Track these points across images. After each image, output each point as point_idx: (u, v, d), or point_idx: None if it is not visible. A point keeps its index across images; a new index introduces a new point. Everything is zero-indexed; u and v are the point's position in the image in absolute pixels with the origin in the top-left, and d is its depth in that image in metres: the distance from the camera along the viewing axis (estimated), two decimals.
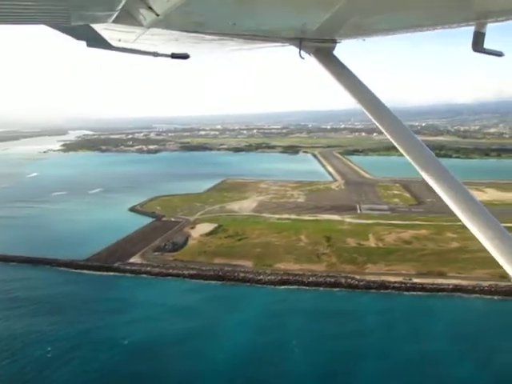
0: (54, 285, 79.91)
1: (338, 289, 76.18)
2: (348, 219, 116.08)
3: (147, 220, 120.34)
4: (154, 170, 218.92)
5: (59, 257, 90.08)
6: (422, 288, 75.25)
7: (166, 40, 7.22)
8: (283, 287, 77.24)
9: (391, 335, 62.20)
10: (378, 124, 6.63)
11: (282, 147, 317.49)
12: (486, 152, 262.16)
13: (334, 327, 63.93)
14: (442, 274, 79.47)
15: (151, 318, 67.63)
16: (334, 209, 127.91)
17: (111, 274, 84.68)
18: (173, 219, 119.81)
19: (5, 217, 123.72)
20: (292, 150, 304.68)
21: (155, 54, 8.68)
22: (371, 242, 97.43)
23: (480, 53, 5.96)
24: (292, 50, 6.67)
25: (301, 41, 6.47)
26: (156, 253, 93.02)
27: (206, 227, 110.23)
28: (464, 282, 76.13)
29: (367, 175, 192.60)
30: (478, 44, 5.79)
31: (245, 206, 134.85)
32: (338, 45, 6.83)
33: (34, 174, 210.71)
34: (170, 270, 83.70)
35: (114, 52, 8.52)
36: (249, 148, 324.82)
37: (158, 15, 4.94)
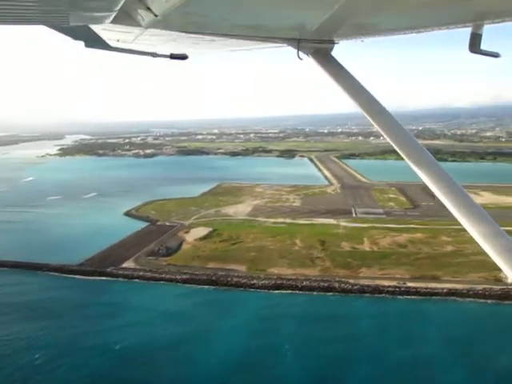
0: (46, 290, 79.30)
1: (331, 293, 75.72)
2: (343, 223, 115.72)
3: (142, 224, 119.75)
4: (150, 174, 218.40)
5: (51, 261, 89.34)
6: (416, 292, 74.82)
7: (164, 40, 7.31)
8: (277, 292, 76.75)
9: (384, 339, 61.74)
10: (375, 125, 6.65)
11: (278, 151, 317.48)
12: (481, 156, 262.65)
13: (326, 331, 63.44)
14: (436, 278, 79.07)
15: (143, 323, 67.09)
16: (329, 213, 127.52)
17: (104, 278, 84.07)
18: (167, 223, 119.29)
19: None
20: (288, 154, 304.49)
21: (154, 55, 8.81)
22: (366, 246, 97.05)
23: (477, 54, 6.01)
24: (290, 51, 6.73)
25: (299, 41, 6.52)
26: (149, 257, 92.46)
27: (200, 231, 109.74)
28: (458, 286, 75.75)
29: (363, 179, 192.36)
30: (474, 45, 5.85)
31: (240, 210, 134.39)
32: (336, 47, 6.85)
33: (30, 179, 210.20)
34: (163, 275, 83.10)
35: (112, 52, 8.61)
36: (245, 152, 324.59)
37: (156, 16, 4.99)
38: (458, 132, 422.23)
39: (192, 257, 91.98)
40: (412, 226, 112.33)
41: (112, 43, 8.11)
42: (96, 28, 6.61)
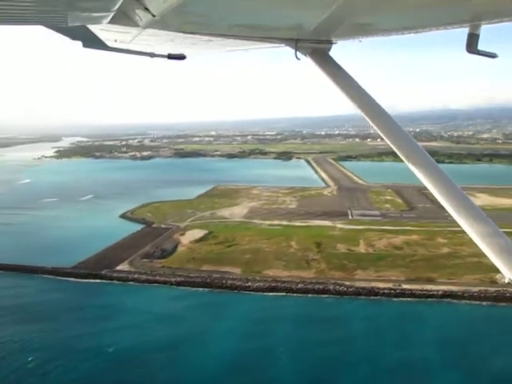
0: (40, 292, 78.99)
1: (326, 295, 75.61)
2: (339, 225, 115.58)
3: (137, 227, 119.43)
4: (147, 177, 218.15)
5: (46, 264, 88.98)
6: (412, 294, 74.78)
7: (162, 41, 7.32)
8: (271, 294, 76.56)
9: (379, 342, 61.60)
10: (373, 126, 6.63)
11: (275, 153, 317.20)
12: (478, 157, 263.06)
13: (321, 334, 63.36)
14: (431, 280, 78.99)
15: (137, 326, 66.92)
16: (325, 214, 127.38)
17: (98, 281, 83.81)
18: (163, 226, 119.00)
19: None
20: (285, 156, 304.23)
21: (152, 55, 8.76)
22: (361, 248, 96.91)
23: (474, 54, 6.03)
24: (288, 52, 6.70)
25: (297, 42, 6.49)
26: (144, 260, 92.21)
27: (196, 234, 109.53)
28: (453, 288, 75.68)
29: (360, 181, 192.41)
30: (471, 46, 5.87)
31: (236, 212, 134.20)
32: (333, 47, 6.85)
33: (26, 181, 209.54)
34: (158, 277, 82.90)
35: (110, 53, 8.59)
36: (242, 154, 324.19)
37: (154, 16, 4.99)
38: (455, 134, 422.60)
39: (187, 259, 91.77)
40: (408, 227, 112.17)
41: (110, 43, 8.12)
42: (94, 28, 6.65)
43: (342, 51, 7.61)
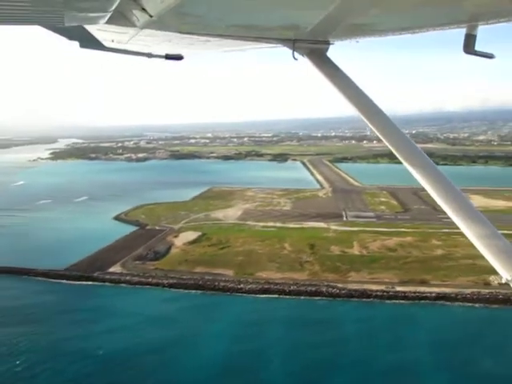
0: (31, 295, 78.40)
1: (319, 297, 75.19)
2: (333, 227, 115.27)
3: (131, 229, 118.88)
4: (142, 179, 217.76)
5: (39, 266, 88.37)
6: (405, 296, 74.39)
7: (159, 41, 7.34)
8: (264, 296, 76.13)
9: (371, 344, 61.28)
10: (371, 126, 6.65)
11: (271, 155, 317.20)
12: (473, 159, 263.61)
13: (312, 336, 62.98)
14: (424, 282, 78.66)
15: (128, 328, 66.42)
16: (319, 216, 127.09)
17: (90, 283, 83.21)
18: (157, 227, 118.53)
19: None
20: (281, 157, 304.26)
21: (149, 55, 8.85)
22: (355, 250, 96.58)
23: (471, 55, 6.05)
24: (285, 53, 6.74)
25: (294, 42, 6.51)
26: (137, 262, 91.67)
27: (189, 235, 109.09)
28: (447, 290, 75.40)
29: (355, 183, 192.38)
30: (469, 46, 5.91)
31: (230, 214, 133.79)
32: (331, 48, 6.90)
33: (21, 183, 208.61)
34: (150, 279, 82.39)
35: (107, 53, 8.66)
36: (238, 156, 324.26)
37: (151, 16, 5.01)
38: (451, 136, 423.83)
39: (179, 261, 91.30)
40: (402, 229, 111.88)
41: (107, 44, 8.12)
42: (91, 28, 6.65)
43: (340, 52, 7.78)
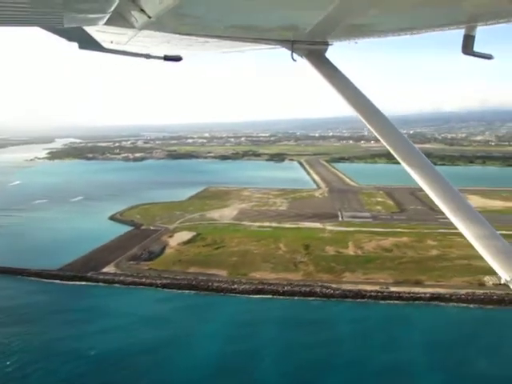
0: (25, 295, 78.06)
1: (313, 298, 74.86)
2: (329, 227, 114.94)
3: (126, 229, 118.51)
4: (138, 178, 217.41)
5: (33, 266, 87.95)
6: (399, 297, 74.13)
7: (158, 42, 7.36)
8: (257, 296, 75.80)
9: (364, 344, 61.00)
10: (369, 127, 6.68)
11: (268, 155, 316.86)
12: (471, 159, 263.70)
13: (305, 336, 62.72)
14: (419, 283, 78.36)
15: (121, 328, 66.16)
16: (315, 216, 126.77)
17: (84, 283, 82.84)
18: (152, 227, 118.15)
19: None
20: (278, 157, 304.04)
21: (148, 56, 8.82)
22: (350, 250, 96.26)
23: (470, 56, 6.10)
24: (284, 54, 6.77)
25: (293, 43, 6.55)
26: (131, 262, 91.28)
27: (184, 235, 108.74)
28: (441, 291, 75.14)
29: (352, 183, 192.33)
30: (467, 47, 5.97)
31: (225, 213, 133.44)
32: (329, 49, 6.92)
33: (17, 182, 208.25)
34: (143, 280, 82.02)
35: (106, 54, 8.63)
36: (235, 156, 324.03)
37: (149, 17, 5.01)
38: (449, 136, 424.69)
39: (174, 261, 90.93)
40: (398, 229, 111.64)
41: (106, 45, 8.12)
42: (90, 30, 6.68)
43: (338, 52, 7.68)
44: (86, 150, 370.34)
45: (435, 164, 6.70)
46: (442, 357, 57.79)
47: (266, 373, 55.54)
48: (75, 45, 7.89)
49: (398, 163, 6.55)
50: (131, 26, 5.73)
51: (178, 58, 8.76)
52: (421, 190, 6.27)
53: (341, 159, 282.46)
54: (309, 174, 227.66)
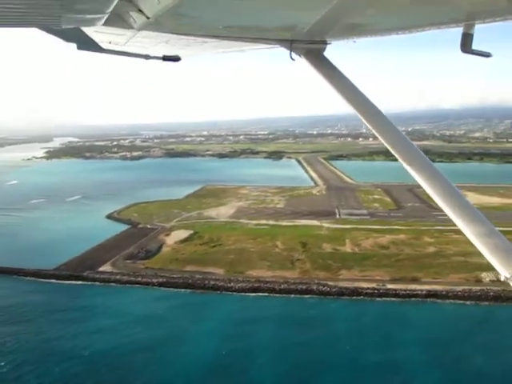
0: (20, 294, 77.81)
1: (309, 296, 74.64)
2: (326, 224, 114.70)
3: (123, 227, 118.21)
4: (136, 177, 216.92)
5: (29, 266, 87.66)
6: (396, 294, 73.86)
7: (156, 42, 7.32)
8: (254, 295, 75.55)
9: (360, 342, 60.78)
10: (368, 125, 6.69)
11: (266, 153, 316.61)
12: (468, 156, 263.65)
13: (302, 334, 62.49)
14: (416, 280, 78.16)
15: (117, 327, 65.93)
16: (312, 214, 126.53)
17: (80, 282, 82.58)
18: (149, 226, 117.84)
19: None
20: (276, 155, 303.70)
21: (146, 57, 8.74)
22: (347, 248, 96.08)
23: (468, 54, 6.10)
24: (283, 53, 6.77)
25: (291, 42, 6.55)
26: (127, 261, 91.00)
27: (181, 234, 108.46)
28: (438, 287, 74.92)
29: (349, 180, 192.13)
30: (466, 45, 5.96)
31: (223, 212, 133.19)
32: (328, 47, 6.91)
33: (14, 182, 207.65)
34: (139, 279, 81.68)
35: (104, 55, 8.58)
36: (233, 154, 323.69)
37: (148, 18, 5.02)
38: (447, 133, 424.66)
39: (170, 260, 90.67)
40: (395, 227, 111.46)
41: (104, 45, 8.10)
42: (88, 30, 6.66)
43: (337, 51, 7.76)
44: (84, 149, 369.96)
45: (433, 161, 6.70)
46: (437, 354, 57.65)
47: (262, 371, 55.34)
48: (74, 46, 7.86)
49: (396, 160, 6.60)
50: (129, 27, 5.74)
51: (176, 58, 8.69)
52: (418, 186, 6.32)
53: (339, 157, 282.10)
54: (307, 171, 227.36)
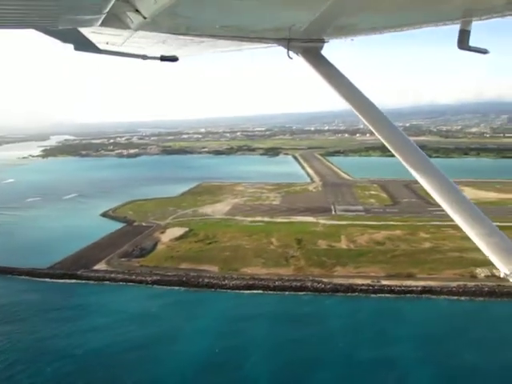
0: (14, 293, 77.43)
1: (304, 293, 74.36)
2: (322, 221, 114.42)
3: (118, 225, 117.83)
4: (132, 175, 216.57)
5: (23, 265, 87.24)
6: (390, 290, 73.59)
7: (153, 42, 7.33)
8: (248, 292, 75.28)
9: (354, 339, 60.61)
10: (366, 123, 6.70)
11: (263, 149, 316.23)
12: (465, 151, 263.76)
13: (296, 331, 62.25)
14: (411, 276, 77.94)
15: (110, 326, 65.62)
16: (308, 210, 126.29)
17: (74, 281, 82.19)
18: (144, 224, 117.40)
19: None
20: (273, 151, 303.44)
21: (144, 57, 8.79)
22: (343, 244, 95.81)
23: (465, 50, 6.09)
24: (280, 50, 6.74)
25: (289, 41, 6.52)
26: (122, 259, 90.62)
27: (176, 231, 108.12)
28: (433, 283, 74.68)
29: (346, 176, 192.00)
30: (463, 42, 5.96)
31: (218, 209, 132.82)
32: (325, 45, 6.91)
33: (10, 180, 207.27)
34: (134, 277, 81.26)
35: (102, 55, 8.58)
36: (229, 151, 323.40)
37: (145, 18, 5.01)
38: (444, 128, 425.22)
39: (165, 257, 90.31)
40: (391, 222, 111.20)
41: (101, 46, 8.08)
42: (85, 31, 6.66)
43: (334, 47, 7.87)
44: (80, 147, 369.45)
45: (430, 156, 6.75)
46: (432, 350, 57.50)
47: (256, 368, 55.12)
48: (71, 47, 7.84)
49: (393, 156, 6.60)
50: (127, 27, 5.72)
51: (174, 59, 8.62)
52: (415, 182, 6.33)
53: (336, 153, 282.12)
54: (303, 167, 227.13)
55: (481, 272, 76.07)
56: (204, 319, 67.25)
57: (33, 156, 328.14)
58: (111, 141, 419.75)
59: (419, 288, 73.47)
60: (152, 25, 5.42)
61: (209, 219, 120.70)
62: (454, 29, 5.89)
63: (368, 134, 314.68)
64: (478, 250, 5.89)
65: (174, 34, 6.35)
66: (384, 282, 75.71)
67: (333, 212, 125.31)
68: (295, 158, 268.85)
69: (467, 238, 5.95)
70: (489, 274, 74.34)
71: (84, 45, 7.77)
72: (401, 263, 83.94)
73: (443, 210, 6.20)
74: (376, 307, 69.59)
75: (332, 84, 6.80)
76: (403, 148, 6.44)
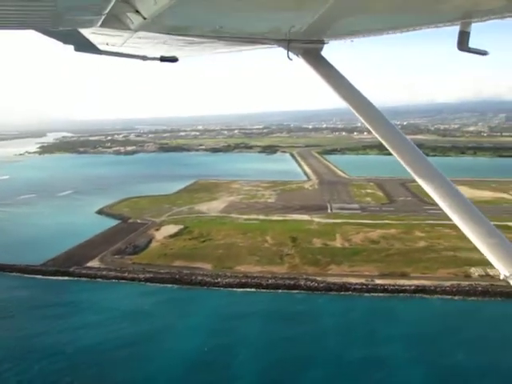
0: (4, 290, 76.89)
1: (297, 291, 74.03)
2: (317, 219, 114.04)
3: (113, 222, 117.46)
4: (129, 172, 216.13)
5: (15, 262, 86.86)
6: (384, 289, 73.24)
7: (154, 43, 7.31)
8: (241, 290, 74.94)
9: (346, 337, 60.39)
10: (365, 123, 6.73)
11: (260, 147, 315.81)
12: (462, 150, 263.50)
13: (288, 330, 61.97)
14: (405, 275, 77.61)
15: (102, 323, 65.28)
16: (304, 208, 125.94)
17: (66, 278, 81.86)
18: (139, 221, 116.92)
19: None
20: (270, 149, 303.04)
21: (144, 58, 8.79)
22: (337, 243, 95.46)
23: (465, 52, 6.09)
24: (280, 50, 6.72)
25: (289, 42, 6.51)
26: (116, 256, 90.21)
27: (171, 229, 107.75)
28: (426, 283, 74.35)
29: (343, 174, 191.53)
30: (463, 43, 5.95)
31: (213, 206, 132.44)
32: (325, 45, 6.93)
33: (5, 177, 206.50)
34: (126, 274, 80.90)
35: (102, 56, 8.57)
36: (227, 148, 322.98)
37: (145, 18, 5.02)
38: (441, 127, 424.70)
39: (158, 255, 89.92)
40: (386, 221, 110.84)
41: (101, 47, 8.09)
42: (85, 32, 6.66)
43: (333, 47, 7.82)
44: (78, 144, 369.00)
45: (427, 155, 6.67)
46: (424, 349, 57.28)
47: (246, 366, 54.86)
48: (71, 47, 7.87)
49: (390, 154, 6.62)
50: (126, 28, 5.72)
51: (174, 59, 8.62)
52: (411, 181, 6.21)
53: (333, 151, 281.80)
54: (300, 165, 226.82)
55: (475, 271, 75.85)
56: (196, 317, 66.95)
57: (29, 152, 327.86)
58: (109, 138, 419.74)
59: (413, 287, 73.13)
60: (152, 25, 5.45)
61: (204, 217, 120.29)
62: (454, 29, 5.89)
63: (366, 133, 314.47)
64: (472, 249, 6.03)
65: (174, 34, 6.35)
66: (378, 281, 75.36)
67: (328, 210, 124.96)
68: (292, 155, 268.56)
69: (462, 237, 6.19)
70: (483, 273, 74.19)
71: (84, 46, 7.78)
72: (395, 262, 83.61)
73: (439, 209, 6.23)
74: (369, 306, 69.31)
75: (332, 85, 6.84)
76: (401, 147, 6.47)
